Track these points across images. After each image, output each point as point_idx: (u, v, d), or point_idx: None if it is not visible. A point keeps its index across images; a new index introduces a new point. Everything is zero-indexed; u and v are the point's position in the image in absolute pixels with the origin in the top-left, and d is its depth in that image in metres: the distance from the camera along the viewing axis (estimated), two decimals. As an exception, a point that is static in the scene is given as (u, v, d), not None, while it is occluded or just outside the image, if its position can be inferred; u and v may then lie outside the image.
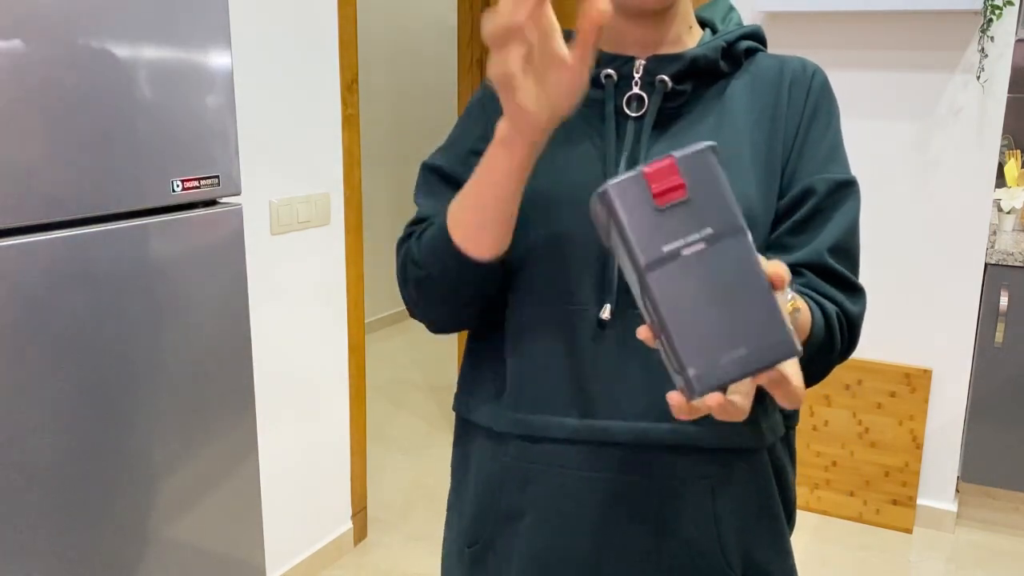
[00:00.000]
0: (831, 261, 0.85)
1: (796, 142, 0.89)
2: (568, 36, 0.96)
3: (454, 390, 3.82)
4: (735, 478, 0.88)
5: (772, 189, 0.88)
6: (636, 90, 0.89)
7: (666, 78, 0.88)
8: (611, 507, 0.87)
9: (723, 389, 0.58)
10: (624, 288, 0.85)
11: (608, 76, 0.90)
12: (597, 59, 0.89)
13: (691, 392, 0.57)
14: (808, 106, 0.90)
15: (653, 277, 0.57)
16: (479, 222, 0.80)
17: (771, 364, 0.56)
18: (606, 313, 0.85)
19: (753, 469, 0.90)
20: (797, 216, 0.87)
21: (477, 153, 0.91)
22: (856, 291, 0.87)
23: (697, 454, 0.86)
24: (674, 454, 0.86)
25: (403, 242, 0.92)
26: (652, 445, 0.85)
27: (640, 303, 0.61)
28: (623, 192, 0.59)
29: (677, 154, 0.58)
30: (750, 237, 0.58)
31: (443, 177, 0.95)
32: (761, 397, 0.89)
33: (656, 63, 0.89)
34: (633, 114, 0.89)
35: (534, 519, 0.90)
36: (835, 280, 0.86)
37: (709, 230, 0.57)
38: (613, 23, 0.92)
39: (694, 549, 0.87)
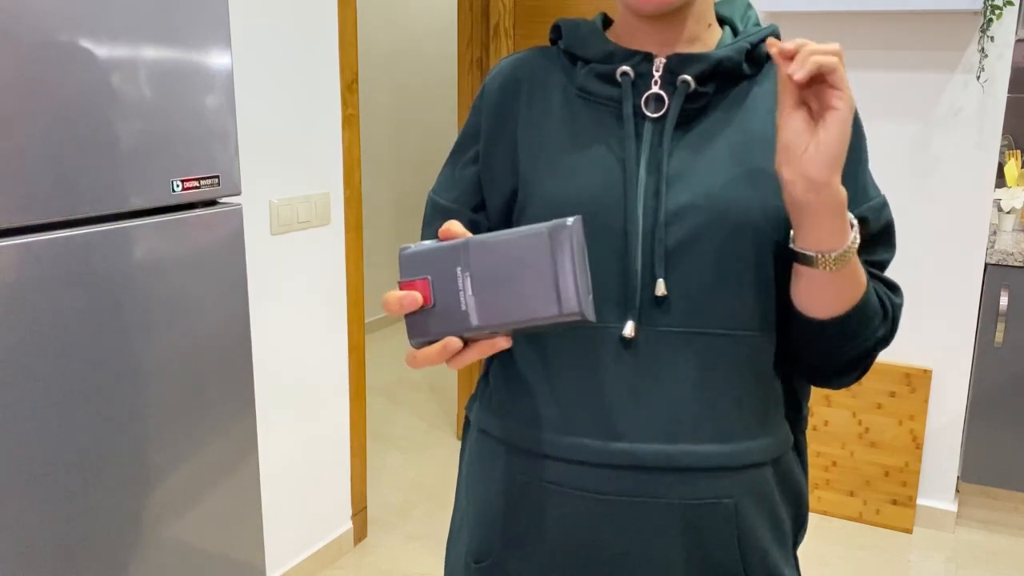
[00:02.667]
0: (872, 271, 0.88)
1: None
2: (606, 21, 0.96)
3: (454, 390, 3.83)
4: (755, 494, 0.87)
5: None
6: (656, 89, 0.85)
7: (689, 79, 0.84)
8: (633, 530, 0.85)
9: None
10: (647, 305, 0.83)
11: (625, 74, 0.86)
12: (612, 54, 0.88)
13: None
14: None
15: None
16: None
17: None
18: (629, 330, 0.82)
19: (768, 482, 0.88)
20: None
21: (468, 177, 0.94)
22: (895, 288, 0.92)
23: (722, 473, 0.84)
24: (698, 475, 0.84)
25: None
26: (676, 467, 0.83)
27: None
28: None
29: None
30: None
31: (441, 210, 0.96)
32: (771, 408, 0.89)
33: (678, 62, 0.85)
34: (652, 115, 0.85)
35: (551, 541, 0.87)
36: (878, 282, 0.90)
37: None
38: (627, 21, 0.90)
39: (719, 567, 0.85)
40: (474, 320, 0.68)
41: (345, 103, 2.35)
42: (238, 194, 1.47)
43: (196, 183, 1.39)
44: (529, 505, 0.88)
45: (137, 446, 1.34)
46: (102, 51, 1.23)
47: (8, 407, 1.17)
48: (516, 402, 0.90)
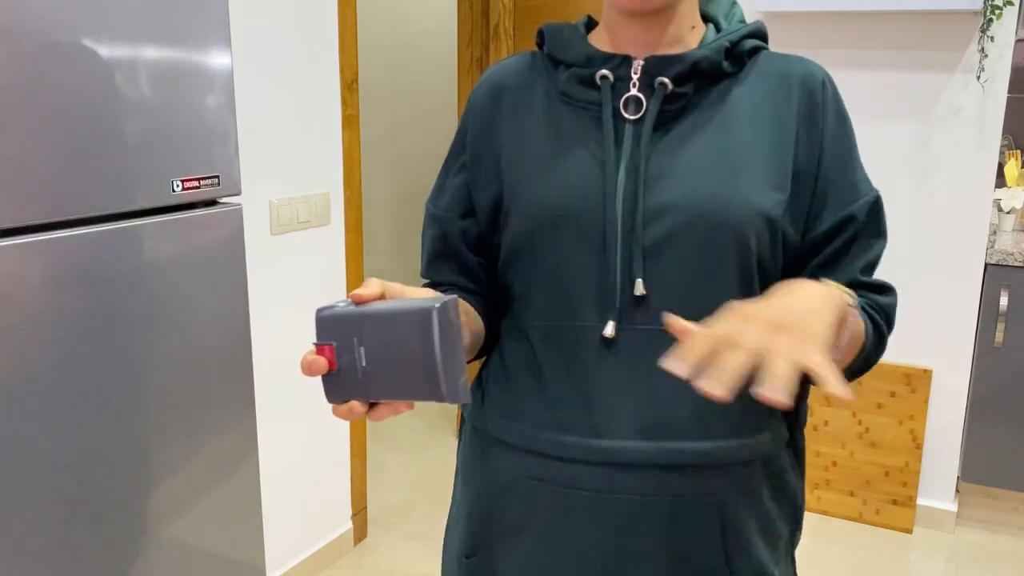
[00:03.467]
0: (862, 277, 0.91)
1: (823, 158, 0.87)
2: (590, 23, 0.96)
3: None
4: (741, 491, 0.87)
5: (783, 191, 0.85)
6: (634, 92, 0.86)
7: (666, 80, 0.84)
8: (618, 526, 0.85)
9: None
10: (628, 305, 0.84)
11: (604, 77, 0.86)
12: (591, 57, 0.88)
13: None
14: (827, 120, 0.87)
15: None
16: None
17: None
18: (610, 330, 0.84)
19: (757, 480, 0.89)
20: (838, 243, 0.89)
21: (457, 185, 0.95)
22: (886, 290, 0.94)
23: (706, 470, 0.85)
24: (680, 472, 0.84)
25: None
26: (658, 464, 0.84)
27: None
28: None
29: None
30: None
31: (434, 218, 0.98)
32: (757, 406, 0.89)
33: (656, 64, 0.85)
34: (631, 117, 0.86)
35: (537, 537, 0.88)
36: (867, 288, 0.92)
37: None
38: (610, 20, 0.90)
39: (702, 564, 0.86)
40: (368, 390, 0.70)
41: (345, 103, 2.35)
42: (238, 194, 1.47)
43: (196, 183, 1.39)
44: (516, 501, 0.90)
45: (137, 446, 1.34)
46: (102, 51, 1.23)
47: (8, 407, 1.17)
48: (506, 400, 0.91)
